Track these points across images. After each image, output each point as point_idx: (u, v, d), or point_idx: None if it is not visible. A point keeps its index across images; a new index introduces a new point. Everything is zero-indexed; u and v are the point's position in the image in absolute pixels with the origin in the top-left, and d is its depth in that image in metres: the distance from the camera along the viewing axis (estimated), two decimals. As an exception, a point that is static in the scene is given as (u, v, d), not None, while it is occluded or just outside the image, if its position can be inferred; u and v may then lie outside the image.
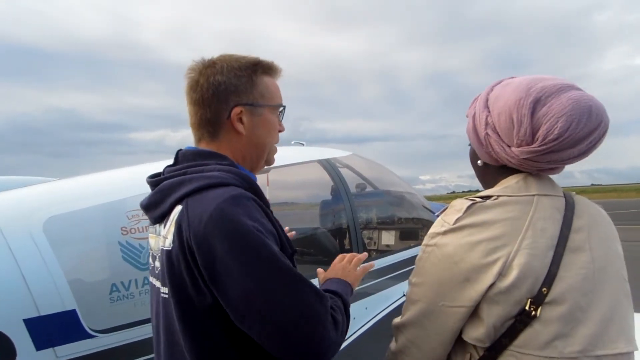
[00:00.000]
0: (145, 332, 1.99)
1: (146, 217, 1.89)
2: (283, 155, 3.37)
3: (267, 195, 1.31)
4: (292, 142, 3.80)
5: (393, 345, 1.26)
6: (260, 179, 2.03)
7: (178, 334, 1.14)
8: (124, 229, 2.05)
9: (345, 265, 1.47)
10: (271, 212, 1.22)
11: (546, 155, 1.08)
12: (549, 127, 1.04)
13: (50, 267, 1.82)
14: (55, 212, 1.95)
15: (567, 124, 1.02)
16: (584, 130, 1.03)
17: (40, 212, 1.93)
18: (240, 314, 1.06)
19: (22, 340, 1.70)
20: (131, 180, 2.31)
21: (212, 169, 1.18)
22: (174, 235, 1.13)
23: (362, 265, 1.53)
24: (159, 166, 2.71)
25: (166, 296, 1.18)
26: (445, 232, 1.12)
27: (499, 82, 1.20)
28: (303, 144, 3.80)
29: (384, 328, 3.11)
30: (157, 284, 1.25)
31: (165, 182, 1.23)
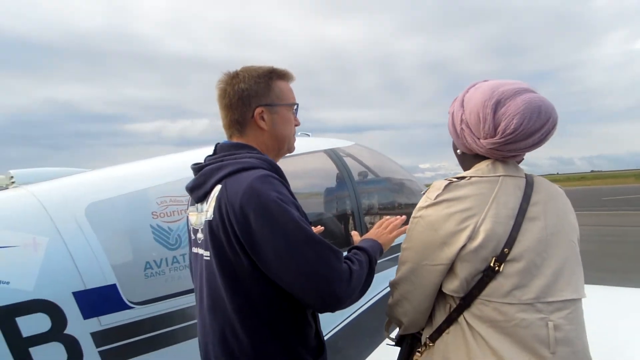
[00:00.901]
0: (174, 304, 2.26)
1: (173, 203, 2.18)
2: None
3: None
4: (299, 134, 4.04)
5: (390, 300, 1.52)
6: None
7: (220, 288, 1.40)
8: (154, 213, 2.31)
9: (379, 230, 1.75)
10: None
11: (506, 146, 1.33)
12: (507, 124, 1.29)
13: (93, 247, 2.08)
14: (94, 199, 2.21)
15: (520, 121, 1.27)
16: (535, 125, 1.28)
17: (81, 199, 2.19)
18: (272, 267, 1.32)
19: (71, 310, 1.96)
20: (158, 170, 2.58)
21: (244, 156, 1.45)
22: (214, 209, 1.40)
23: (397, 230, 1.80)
24: (178, 157, 2.99)
25: (208, 258, 1.44)
26: (427, 206, 1.38)
27: (474, 85, 1.45)
28: (309, 135, 4.05)
29: (384, 305, 3.37)
30: (200, 251, 1.52)
31: (206, 167, 1.50)
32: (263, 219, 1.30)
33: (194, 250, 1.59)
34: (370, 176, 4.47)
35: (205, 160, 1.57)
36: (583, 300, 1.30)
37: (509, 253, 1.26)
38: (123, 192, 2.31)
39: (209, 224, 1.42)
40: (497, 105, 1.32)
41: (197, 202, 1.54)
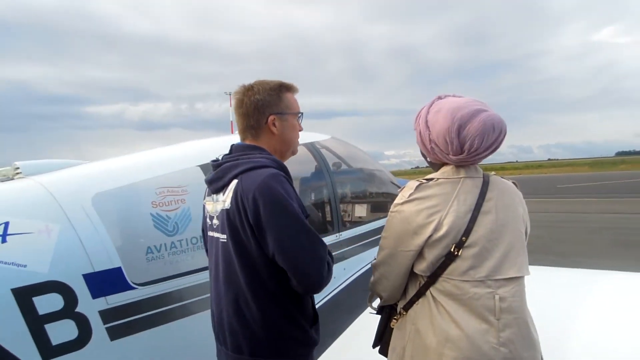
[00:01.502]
0: (173, 285, 2.50)
1: (170, 193, 2.42)
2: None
3: None
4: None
5: (372, 279, 1.82)
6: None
7: (235, 265, 1.67)
8: (154, 202, 2.53)
9: None
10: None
11: (471, 158, 1.64)
12: (470, 144, 1.59)
13: (100, 233, 2.29)
14: (100, 189, 2.41)
15: (480, 140, 1.58)
16: (491, 139, 1.59)
17: (87, 189, 2.39)
18: (274, 252, 1.59)
19: (82, 291, 2.18)
20: (155, 163, 2.79)
21: (256, 156, 1.72)
22: (232, 199, 1.66)
23: None
24: (172, 149, 3.19)
25: (225, 241, 1.71)
26: (402, 203, 1.67)
27: (432, 105, 1.73)
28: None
29: (358, 285, 3.71)
30: (216, 234, 1.77)
31: (225, 164, 1.76)
32: (270, 210, 1.58)
33: (210, 234, 1.84)
34: (344, 167, 4.77)
35: (222, 158, 1.82)
36: (530, 278, 1.63)
37: (466, 241, 1.57)
38: (125, 183, 2.52)
39: (226, 212, 1.68)
40: (460, 129, 1.61)
41: (214, 193, 1.79)
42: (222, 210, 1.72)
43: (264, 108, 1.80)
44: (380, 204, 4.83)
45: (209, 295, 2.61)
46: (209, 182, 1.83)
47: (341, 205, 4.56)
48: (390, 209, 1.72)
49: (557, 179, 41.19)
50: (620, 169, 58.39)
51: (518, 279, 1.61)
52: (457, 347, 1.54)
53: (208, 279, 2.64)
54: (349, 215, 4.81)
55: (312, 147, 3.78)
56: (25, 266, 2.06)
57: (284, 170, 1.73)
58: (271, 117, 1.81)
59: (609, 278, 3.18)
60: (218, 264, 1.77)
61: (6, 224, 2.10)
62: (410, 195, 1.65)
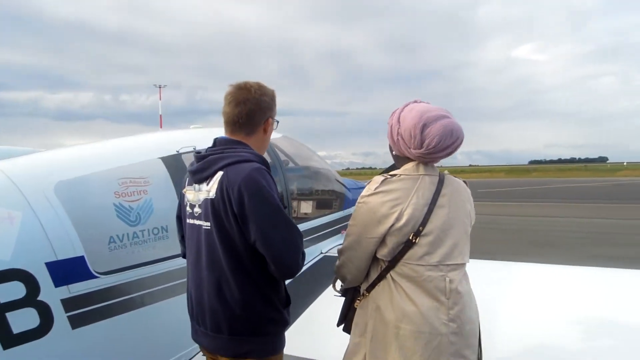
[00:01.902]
0: (134, 274, 2.54)
1: (133, 184, 2.48)
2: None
3: None
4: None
5: (337, 263, 2.01)
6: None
7: (218, 250, 1.77)
8: (116, 192, 2.55)
9: None
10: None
11: (428, 155, 1.87)
12: (430, 141, 1.83)
13: (63, 222, 2.28)
14: (63, 177, 2.40)
15: (438, 140, 1.82)
16: (448, 142, 1.84)
17: (50, 177, 2.37)
18: (256, 240, 1.73)
19: (44, 279, 2.17)
20: (118, 153, 2.80)
21: (242, 151, 1.84)
22: (217, 190, 1.77)
23: None
24: (134, 140, 3.21)
25: (209, 228, 1.81)
26: (369, 195, 1.87)
27: (407, 105, 1.96)
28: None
29: (304, 278, 3.89)
30: (198, 222, 1.86)
31: (210, 157, 1.85)
32: (254, 200, 1.71)
33: (190, 221, 1.93)
34: (291, 165, 4.93)
35: (206, 151, 1.91)
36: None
37: (422, 230, 1.80)
38: (88, 172, 2.52)
39: (211, 201, 1.78)
40: (424, 127, 1.85)
41: (196, 183, 1.88)
42: (206, 199, 1.82)
43: (266, 110, 1.96)
44: (326, 201, 5.05)
45: (170, 284, 2.70)
46: (193, 173, 1.92)
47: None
48: (358, 200, 1.91)
49: (478, 184, 43.95)
50: (533, 176, 63.31)
51: (463, 265, 1.87)
52: (412, 321, 1.76)
53: (169, 269, 2.72)
54: (294, 211, 4.98)
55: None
56: (-13, 253, 2.03)
57: (266, 165, 1.87)
58: (269, 120, 1.98)
59: (526, 268, 3.62)
60: (200, 249, 1.86)
61: (-33, 211, 2.06)
62: (376, 188, 1.86)
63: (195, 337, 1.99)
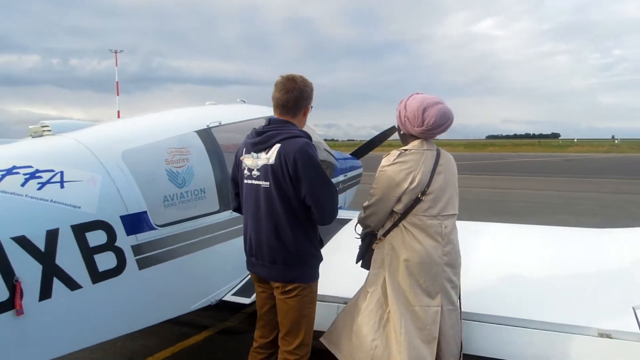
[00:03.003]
0: (183, 227, 3.07)
1: (178, 153, 3.02)
2: (241, 111, 4.45)
3: None
4: (238, 100, 4.82)
5: (363, 214, 2.62)
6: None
7: (276, 202, 2.35)
8: (167, 160, 3.06)
9: None
10: None
11: (428, 132, 2.50)
12: (429, 121, 2.45)
13: (131, 183, 2.79)
14: (127, 147, 2.89)
15: (435, 120, 2.44)
16: (442, 121, 2.45)
17: (117, 146, 2.86)
18: (306, 195, 2.31)
19: (119, 229, 2.68)
20: (163, 125, 3.30)
21: (293, 129, 2.40)
22: (276, 157, 2.32)
23: None
24: (168, 115, 3.72)
25: (268, 187, 2.37)
26: (389, 165, 2.49)
27: (411, 95, 2.57)
28: (245, 102, 4.87)
29: None
30: (257, 182, 2.42)
31: (268, 132, 2.40)
32: (305, 166, 2.29)
33: (248, 182, 2.48)
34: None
35: (264, 127, 2.46)
36: None
37: (427, 190, 2.44)
38: (145, 143, 3.03)
39: (271, 166, 2.34)
40: (424, 110, 2.46)
41: (255, 152, 2.43)
42: (266, 165, 2.38)
43: (307, 99, 2.52)
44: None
45: (208, 236, 3.26)
46: (254, 144, 2.45)
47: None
48: (379, 169, 2.53)
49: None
50: (490, 150, 65.86)
51: (454, 215, 2.54)
52: (419, 255, 2.43)
53: (207, 224, 3.27)
54: None
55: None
56: (79, 207, 2.53)
57: (310, 139, 2.45)
58: (308, 106, 2.55)
59: (488, 226, 4.38)
60: (259, 202, 2.43)
61: (62, 173, 2.54)
62: (394, 160, 2.48)
63: (252, 268, 2.58)
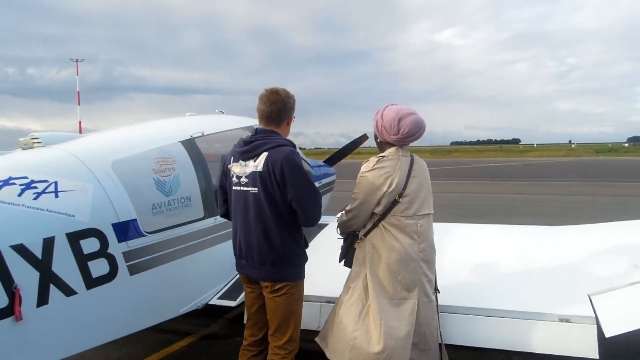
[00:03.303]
0: (171, 233, 3.19)
1: (165, 162, 3.16)
2: (221, 122, 4.58)
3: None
4: (217, 111, 4.94)
5: (344, 217, 2.81)
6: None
7: (265, 207, 2.50)
8: (154, 169, 3.18)
9: None
10: None
11: (403, 140, 2.73)
12: (404, 130, 2.68)
13: (121, 192, 2.89)
14: (116, 157, 3.00)
15: (409, 129, 2.66)
16: (415, 130, 2.68)
17: (107, 157, 2.97)
18: (292, 199, 2.48)
19: (111, 236, 2.79)
20: (150, 136, 3.42)
21: (278, 138, 2.57)
22: (264, 165, 2.49)
23: None
24: (153, 126, 3.83)
25: (256, 192, 2.52)
26: (368, 171, 2.70)
27: (387, 106, 2.79)
28: (223, 112, 5.00)
29: None
30: (245, 188, 2.57)
31: (256, 142, 2.56)
32: (291, 172, 2.47)
33: (237, 188, 2.62)
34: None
35: (252, 137, 2.61)
36: None
37: (403, 193, 2.66)
38: (133, 153, 3.15)
39: (259, 173, 2.50)
40: (400, 120, 2.69)
41: (243, 160, 2.58)
42: (254, 172, 2.54)
43: (290, 110, 2.71)
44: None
45: (195, 242, 3.39)
46: (242, 153, 2.61)
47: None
48: (359, 175, 2.74)
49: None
50: (455, 156, 67.58)
51: (429, 215, 2.77)
52: (397, 253, 2.64)
53: (193, 230, 3.40)
54: None
55: (250, 131, 4.58)
56: (74, 216, 2.63)
57: (295, 147, 2.63)
58: (292, 117, 2.74)
59: (461, 227, 4.67)
60: (248, 207, 2.58)
61: (56, 183, 2.64)
62: (373, 166, 2.70)
63: (241, 270, 2.73)
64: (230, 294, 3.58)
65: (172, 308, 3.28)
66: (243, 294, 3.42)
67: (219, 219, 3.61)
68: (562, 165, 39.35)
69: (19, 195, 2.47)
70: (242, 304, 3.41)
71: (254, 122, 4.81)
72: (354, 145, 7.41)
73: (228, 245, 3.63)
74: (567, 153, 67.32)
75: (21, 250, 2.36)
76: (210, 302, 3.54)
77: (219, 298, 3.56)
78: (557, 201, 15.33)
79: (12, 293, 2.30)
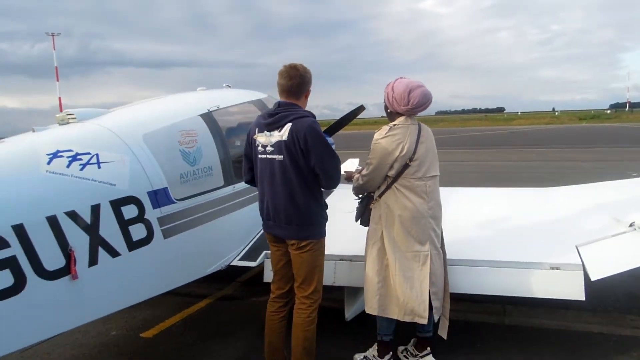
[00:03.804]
0: (197, 200, 3.46)
1: (189, 135, 3.41)
2: (232, 96, 4.79)
3: None
4: (224, 85, 5.13)
5: (360, 181, 3.10)
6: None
7: (290, 172, 2.77)
8: (180, 141, 3.42)
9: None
10: None
11: (412, 110, 3.00)
12: (413, 101, 2.94)
13: (153, 163, 3.14)
14: (146, 130, 3.24)
15: (418, 100, 2.93)
16: (423, 102, 2.95)
17: (138, 130, 3.21)
18: (315, 164, 2.75)
19: (146, 203, 3.04)
20: (173, 110, 3.64)
21: (300, 110, 2.83)
22: (289, 134, 2.74)
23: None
24: (174, 100, 4.07)
25: (282, 159, 2.78)
26: (381, 138, 2.97)
27: (397, 80, 3.05)
28: (230, 86, 5.20)
29: None
30: (271, 156, 2.82)
31: (280, 114, 2.81)
32: (314, 140, 2.73)
33: (262, 156, 2.88)
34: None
35: (275, 110, 2.86)
36: None
37: (413, 157, 2.95)
38: (161, 126, 3.38)
39: (284, 142, 2.76)
40: (410, 92, 2.95)
41: (269, 131, 2.84)
42: (279, 141, 2.80)
43: (307, 84, 2.94)
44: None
45: (219, 207, 3.66)
46: (267, 125, 2.86)
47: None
48: (373, 142, 3.02)
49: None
50: (440, 126, 68.02)
51: (436, 176, 3.07)
52: (409, 211, 2.95)
53: (215, 197, 3.67)
54: None
55: (259, 103, 4.80)
56: (114, 185, 2.88)
57: (315, 118, 2.88)
58: (309, 90, 2.98)
59: (460, 190, 5.02)
60: (274, 173, 2.85)
61: (97, 155, 2.87)
62: (386, 133, 2.98)
63: (269, 230, 3.02)
64: (250, 255, 3.88)
65: (201, 268, 3.58)
66: (262, 255, 3.76)
67: (236, 187, 3.90)
68: (546, 132, 40.10)
69: (67, 166, 2.70)
70: (261, 264, 3.74)
71: (261, 95, 5.05)
72: (351, 116, 7.65)
73: (246, 211, 3.97)
74: (551, 120, 68.30)
75: (73, 216, 2.61)
76: (232, 264, 3.84)
77: (240, 259, 3.86)
78: (542, 167, 15.85)
79: (68, 254, 2.57)
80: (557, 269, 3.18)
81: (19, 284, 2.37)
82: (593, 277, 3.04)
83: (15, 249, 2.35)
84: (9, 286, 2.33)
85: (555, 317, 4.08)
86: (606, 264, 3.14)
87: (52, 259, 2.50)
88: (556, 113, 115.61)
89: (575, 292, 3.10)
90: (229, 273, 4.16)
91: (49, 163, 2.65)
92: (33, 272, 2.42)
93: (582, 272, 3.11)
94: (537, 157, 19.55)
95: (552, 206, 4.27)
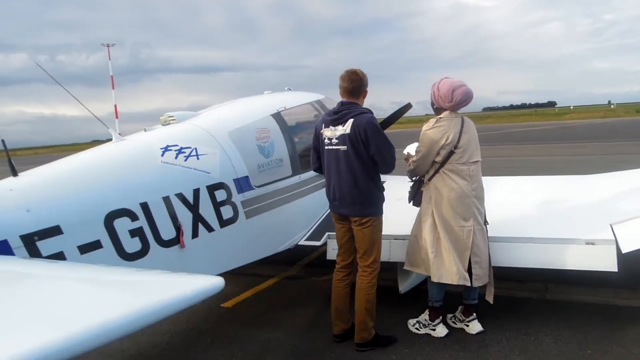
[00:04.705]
0: (273, 187, 4.07)
1: (263, 132, 4.02)
2: (295, 98, 5.41)
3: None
4: (286, 88, 5.77)
5: (412, 166, 3.61)
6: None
7: (353, 161, 3.32)
8: (256, 137, 4.06)
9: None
10: None
11: (455, 106, 3.48)
12: (456, 98, 3.43)
13: (237, 156, 3.79)
14: (229, 128, 3.90)
15: (461, 97, 3.42)
16: (465, 99, 3.43)
17: (224, 128, 3.86)
18: (374, 153, 3.29)
19: (232, 188, 3.69)
20: (250, 111, 4.30)
21: (360, 108, 3.38)
22: (351, 129, 3.29)
23: None
24: (248, 103, 4.75)
25: (345, 149, 3.33)
26: (429, 129, 3.47)
27: (441, 80, 3.54)
28: (290, 89, 5.84)
29: None
30: (336, 147, 3.37)
31: (343, 111, 3.37)
32: (373, 133, 3.28)
33: (329, 147, 3.43)
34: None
35: (339, 108, 3.42)
36: None
37: (458, 145, 3.43)
38: (242, 124, 4.04)
39: (348, 135, 3.31)
40: (453, 91, 3.44)
41: (333, 126, 3.40)
42: (343, 134, 3.35)
43: (365, 86, 3.49)
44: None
45: (288, 194, 4.26)
46: (332, 120, 3.42)
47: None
48: (422, 132, 3.52)
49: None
50: (488, 122, 66.52)
51: (478, 162, 3.53)
52: (455, 192, 3.43)
53: (285, 185, 4.27)
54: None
55: (317, 104, 5.39)
56: (209, 173, 3.53)
57: (373, 114, 3.42)
58: (366, 91, 3.52)
59: (503, 179, 5.40)
60: (340, 162, 3.40)
61: (196, 149, 3.55)
62: (433, 125, 3.48)
63: (335, 209, 3.57)
64: (315, 236, 4.45)
65: (274, 246, 4.20)
66: (324, 236, 4.31)
67: (302, 177, 4.49)
68: (601, 127, 38.59)
69: (175, 158, 3.39)
70: (324, 244, 4.30)
71: (320, 96, 5.65)
72: (399, 114, 8.12)
73: (309, 198, 4.56)
74: (606, 114, 65.22)
75: (181, 197, 3.28)
76: (299, 243, 4.44)
77: (307, 239, 4.44)
78: (594, 162, 15.59)
79: (178, 228, 3.23)
80: (592, 244, 3.55)
81: (144, 250, 3.06)
82: (624, 250, 3.39)
83: (142, 222, 3.03)
84: (138, 250, 3.02)
85: (596, 293, 4.39)
86: (637, 239, 3.48)
87: (167, 230, 3.17)
88: (612, 106, 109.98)
89: (608, 264, 3.46)
90: (293, 255, 4.70)
91: (162, 155, 3.34)
92: (154, 240, 3.10)
93: (615, 247, 3.46)
94: (593, 151, 19.11)
95: (590, 191, 4.59)
